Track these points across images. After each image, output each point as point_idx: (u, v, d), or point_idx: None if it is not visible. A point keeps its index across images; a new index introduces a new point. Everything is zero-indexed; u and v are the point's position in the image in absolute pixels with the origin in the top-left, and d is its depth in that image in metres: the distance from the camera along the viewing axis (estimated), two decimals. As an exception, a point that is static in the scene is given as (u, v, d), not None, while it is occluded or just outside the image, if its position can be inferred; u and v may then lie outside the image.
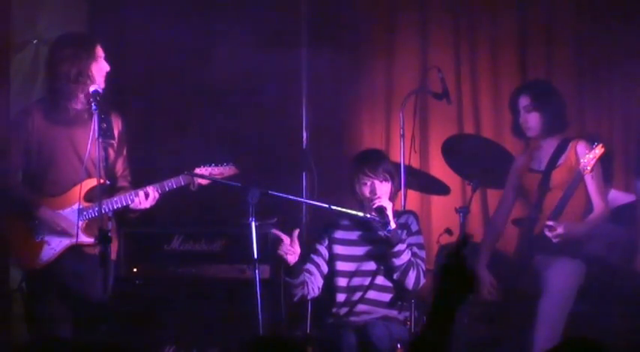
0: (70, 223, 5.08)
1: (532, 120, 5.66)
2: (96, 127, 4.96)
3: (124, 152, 5.35)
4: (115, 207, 5.11)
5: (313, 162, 6.04)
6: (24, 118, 5.22)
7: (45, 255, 5.10)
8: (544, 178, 5.60)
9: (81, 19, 6.89)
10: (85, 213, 5.10)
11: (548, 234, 5.41)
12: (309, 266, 5.39)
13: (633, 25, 6.91)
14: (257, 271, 5.09)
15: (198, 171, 5.29)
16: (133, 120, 5.45)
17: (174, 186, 5.24)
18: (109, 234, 4.80)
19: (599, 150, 5.44)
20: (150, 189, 5.18)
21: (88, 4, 6.98)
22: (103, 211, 4.93)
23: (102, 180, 4.97)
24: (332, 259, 5.44)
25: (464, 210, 5.87)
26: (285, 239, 5.18)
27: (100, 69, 5.18)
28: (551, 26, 7.15)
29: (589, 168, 5.43)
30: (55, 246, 5.11)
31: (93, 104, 4.99)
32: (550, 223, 5.40)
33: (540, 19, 7.17)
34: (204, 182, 5.29)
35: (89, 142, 5.06)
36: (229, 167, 5.40)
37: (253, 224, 5.13)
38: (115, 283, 5.12)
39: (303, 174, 6.08)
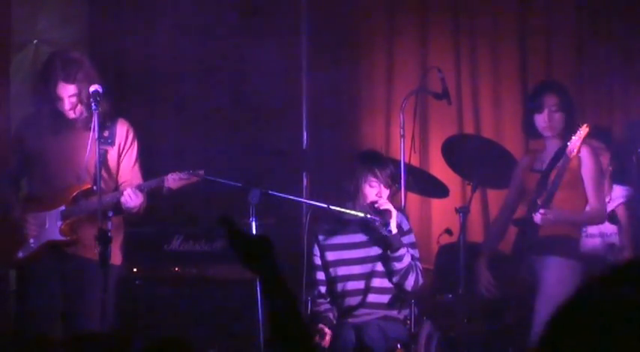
0: (39, 223, 5.17)
1: (556, 120, 5.64)
2: (95, 127, 4.97)
3: (133, 159, 5.33)
4: (91, 208, 5.10)
5: (313, 162, 6.03)
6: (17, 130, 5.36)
7: (22, 252, 5.21)
8: (542, 178, 5.60)
9: (81, 19, 6.89)
10: (66, 214, 5.19)
11: (537, 219, 5.40)
12: (322, 288, 5.42)
13: (633, 25, 6.91)
14: (257, 271, 5.08)
15: (170, 176, 5.18)
16: (131, 121, 5.45)
17: (147, 188, 5.21)
18: (109, 235, 4.83)
19: (583, 131, 5.43)
20: (129, 190, 5.18)
21: (88, 4, 6.99)
22: (80, 212, 5.12)
23: (87, 185, 5.13)
24: (326, 266, 5.44)
25: (464, 210, 5.86)
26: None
27: (67, 104, 5.15)
28: (551, 26, 7.15)
29: (575, 150, 5.43)
30: (32, 243, 5.20)
31: (93, 104, 4.99)
32: (542, 212, 5.40)
33: (540, 19, 7.17)
34: (173, 186, 5.21)
35: (89, 143, 5.08)
36: (198, 173, 5.29)
37: (253, 224, 5.13)
38: (114, 283, 5.15)
39: (303, 174, 6.07)
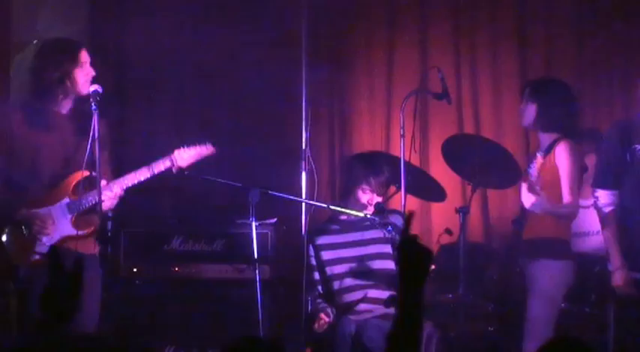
0: (46, 220, 5.11)
1: (527, 111, 5.63)
2: (95, 127, 4.96)
3: (106, 154, 5.30)
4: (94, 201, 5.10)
5: (313, 162, 6.03)
6: (3, 121, 5.26)
7: (38, 253, 5.13)
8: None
9: (81, 19, 6.89)
10: (72, 206, 5.14)
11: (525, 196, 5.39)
12: (319, 288, 5.44)
13: (633, 25, 6.92)
14: (257, 271, 5.10)
15: (177, 152, 5.23)
16: (132, 119, 5.45)
17: (135, 182, 5.21)
18: (109, 234, 4.84)
19: None
20: (112, 185, 5.17)
21: (89, 3, 6.99)
22: (88, 204, 5.05)
23: (85, 173, 5.05)
24: (322, 266, 5.46)
25: (464, 210, 5.87)
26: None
27: (84, 74, 5.16)
28: (551, 26, 7.15)
29: None
30: (46, 241, 5.14)
31: (93, 104, 4.99)
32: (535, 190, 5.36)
33: (540, 19, 7.17)
34: (183, 164, 5.24)
35: (89, 143, 5.06)
36: (207, 146, 5.35)
37: (253, 224, 5.14)
38: (114, 283, 5.16)
39: (303, 174, 6.07)
